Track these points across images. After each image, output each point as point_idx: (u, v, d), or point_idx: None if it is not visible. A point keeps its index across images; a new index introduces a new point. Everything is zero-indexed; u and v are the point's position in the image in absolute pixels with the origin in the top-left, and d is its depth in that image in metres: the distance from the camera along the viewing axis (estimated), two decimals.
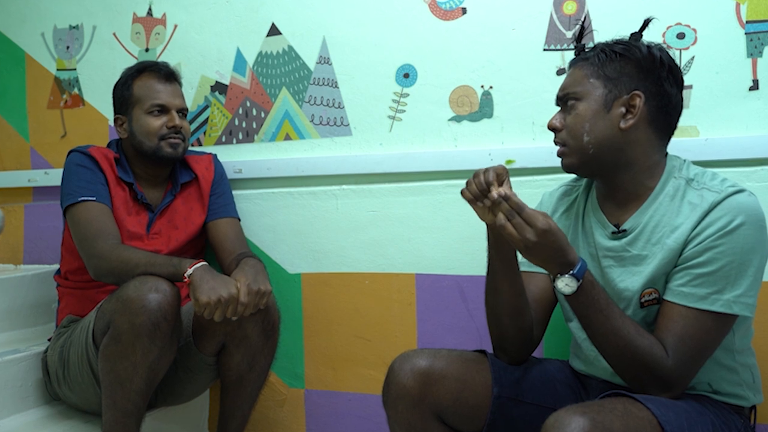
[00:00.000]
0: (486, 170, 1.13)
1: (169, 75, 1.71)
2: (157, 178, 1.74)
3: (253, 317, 1.49)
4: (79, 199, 1.59)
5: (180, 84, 1.75)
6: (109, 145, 1.75)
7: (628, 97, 1.16)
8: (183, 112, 1.72)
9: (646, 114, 1.16)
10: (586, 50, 1.22)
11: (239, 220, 1.79)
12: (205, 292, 1.38)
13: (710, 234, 1.09)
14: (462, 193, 1.16)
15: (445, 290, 1.70)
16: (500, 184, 1.12)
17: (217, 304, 1.38)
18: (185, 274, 1.42)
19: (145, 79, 1.69)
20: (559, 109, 1.25)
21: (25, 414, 1.66)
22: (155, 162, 1.69)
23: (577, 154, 1.20)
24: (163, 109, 1.67)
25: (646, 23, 1.21)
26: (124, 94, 1.70)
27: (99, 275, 1.53)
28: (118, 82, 1.73)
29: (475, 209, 1.16)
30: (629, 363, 1.10)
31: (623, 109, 1.16)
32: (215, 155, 1.83)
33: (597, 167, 1.21)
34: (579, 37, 1.25)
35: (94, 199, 1.60)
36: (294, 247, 1.84)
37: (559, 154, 1.23)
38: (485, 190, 1.12)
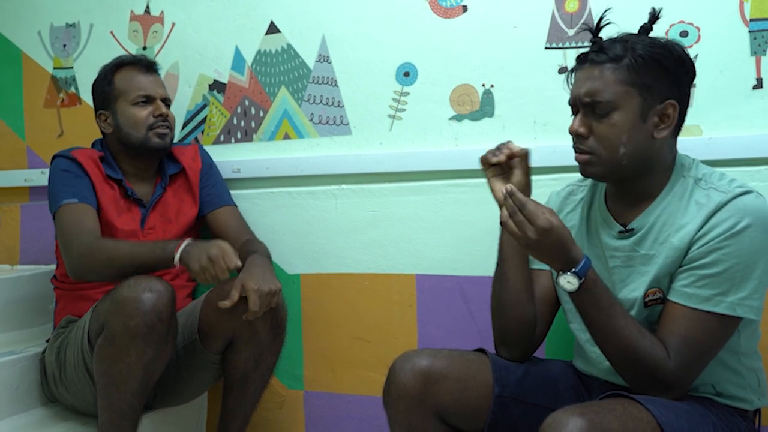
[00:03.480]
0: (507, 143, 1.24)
1: (149, 66, 1.72)
2: (145, 172, 1.73)
3: (263, 314, 1.49)
4: (62, 203, 1.58)
5: (159, 75, 1.75)
6: (93, 145, 1.74)
7: (662, 106, 1.13)
8: (166, 102, 1.72)
9: (676, 121, 1.14)
10: (605, 47, 1.15)
11: (236, 206, 1.78)
12: (195, 259, 1.38)
13: (716, 235, 1.08)
14: (481, 159, 1.25)
15: (446, 291, 1.69)
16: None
17: (209, 262, 1.37)
18: (174, 259, 1.42)
19: (125, 72, 1.70)
20: (571, 108, 1.20)
21: (22, 416, 1.65)
22: (143, 154, 1.69)
23: (608, 164, 1.15)
24: (147, 100, 1.68)
25: (655, 16, 1.17)
26: (105, 89, 1.70)
27: (79, 273, 1.50)
28: (97, 79, 1.73)
29: (491, 182, 1.24)
30: (630, 363, 1.10)
31: (657, 119, 1.13)
32: (200, 145, 1.83)
33: (624, 175, 1.17)
34: (597, 30, 1.20)
35: (77, 200, 1.58)
36: (293, 247, 1.83)
37: (583, 162, 1.18)
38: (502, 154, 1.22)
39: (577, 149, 1.19)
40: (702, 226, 1.10)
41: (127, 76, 1.69)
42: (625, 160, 1.14)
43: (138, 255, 1.44)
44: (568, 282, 1.09)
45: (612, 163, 1.15)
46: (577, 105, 1.18)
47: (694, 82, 1.19)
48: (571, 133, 1.18)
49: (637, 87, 1.12)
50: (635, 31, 1.18)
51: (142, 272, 1.42)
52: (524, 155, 1.24)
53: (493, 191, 1.25)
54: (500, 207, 1.16)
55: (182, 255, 1.41)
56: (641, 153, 1.14)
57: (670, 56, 1.12)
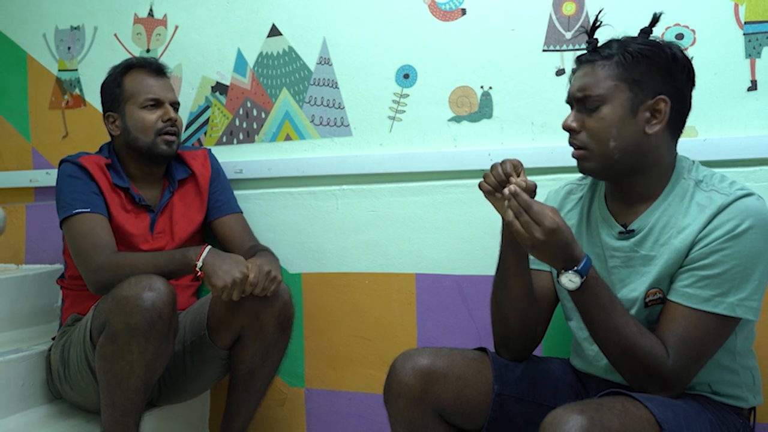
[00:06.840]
0: (503, 162, 1.16)
1: (159, 69, 1.71)
2: (153, 176, 1.73)
3: (271, 309, 1.51)
4: (74, 211, 1.58)
5: (169, 78, 1.75)
6: (101, 150, 1.74)
7: (653, 102, 1.14)
8: (175, 106, 1.72)
9: (668, 118, 1.15)
10: (599, 47, 1.18)
11: (242, 212, 1.80)
12: (220, 277, 1.42)
13: (717, 237, 1.09)
14: (480, 185, 1.19)
15: (446, 290, 1.71)
16: (517, 175, 1.14)
17: (234, 285, 1.42)
18: (197, 267, 1.45)
19: (135, 75, 1.69)
20: (569, 108, 1.21)
21: (28, 413, 1.66)
22: (150, 159, 1.69)
23: (601, 159, 1.17)
24: (157, 103, 1.67)
25: (656, 19, 1.19)
26: (114, 91, 1.69)
27: (100, 289, 1.50)
28: (106, 80, 1.73)
29: (492, 203, 1.19)
30: (629, 361, 1.11)
31: (648, 114, 1.14)
32: (209, 149, 1.84)
33: (618, 171, 1.19)
34: (592, 32, 1.21)
35: (89, 210, 1.59)
36: (294, 247, 1.85)
37: (578, 157, 1.20)
38: (504, 182, 1.15)
39: (571, 144, 1.21)
40: (704, 228, 1.11)
41: (137, 79, 1.68)
42: (617, 154, 1.15)
43: (159, 265, 1.46)
44: (570, 281, 1.10)
45: (604, 158, 1.16)
46: (572, 102, 1.21)
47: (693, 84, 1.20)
48: (564, 129, 1.20)
49: (627, 82, 1.14)
50: (633, 33, 1.20)
51: None
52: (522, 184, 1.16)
53: (496, 208, 1.22)
54: (503, 220, 1.18)
55: (206, 266, 1.45)
56: (634, 148, 1.15)
57: (661, 53, 1.14)
